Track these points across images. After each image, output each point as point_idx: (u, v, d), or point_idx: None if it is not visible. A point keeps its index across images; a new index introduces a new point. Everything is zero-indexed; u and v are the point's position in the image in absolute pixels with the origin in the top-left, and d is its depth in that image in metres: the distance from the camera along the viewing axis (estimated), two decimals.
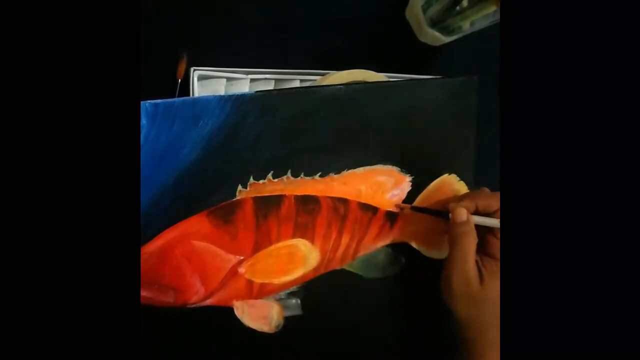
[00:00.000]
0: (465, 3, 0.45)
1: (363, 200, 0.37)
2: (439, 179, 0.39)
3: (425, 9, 0.49)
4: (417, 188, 0.38)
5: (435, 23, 0.49)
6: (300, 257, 0.36)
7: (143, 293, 0.32)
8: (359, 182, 0.37)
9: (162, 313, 0.33)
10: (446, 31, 0.49)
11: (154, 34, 0.39)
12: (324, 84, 0.39)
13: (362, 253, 0.38)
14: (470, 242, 0.33)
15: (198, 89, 0.42)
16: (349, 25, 0.49)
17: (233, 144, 0.33)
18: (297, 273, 0.36)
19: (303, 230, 0.35)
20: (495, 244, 0.34)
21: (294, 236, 0.35)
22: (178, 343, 0.34)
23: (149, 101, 0.30)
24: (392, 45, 0.51)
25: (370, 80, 0.40)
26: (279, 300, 0.36)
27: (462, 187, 0.39)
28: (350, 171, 0.36)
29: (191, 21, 0.44)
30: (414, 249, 0.39)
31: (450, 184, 0.39)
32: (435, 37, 0.50)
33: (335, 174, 0.36)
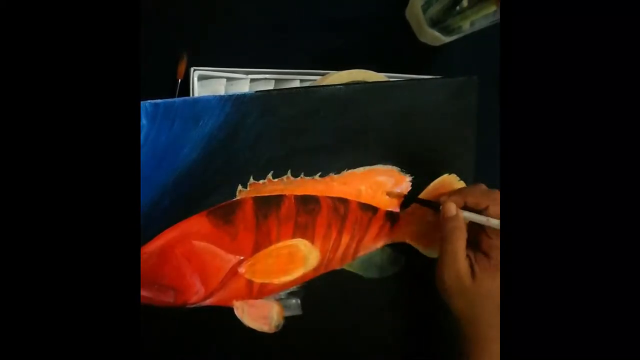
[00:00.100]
0: (465, 3, 0.45)
1: (363, 200, 0.37)
2: (439, 179, 0.39)
3: (425, 9, 0.49)
4: (417, 188, 0.38)
5: (435, 23, 0.49)
6: (300, 257, 0.36)
7: (143, 293, 0.32)
8: (359, 182, 0.37)
9: (162, 313, 0.33)
10: (446, 31, 0.49)
11: (154, 34, 0.39)
12: (324, 84, 0.39)
13: (362, 253, 0.38)
14: (459, 238, 0.33)
15: (198, 89, 0.42)
16: (349, 25, 0.49)
17: (233, 144, 0.33)
18: (297, 273, 0.36)
19: (303, 230, 0.35)
20: (487, 242, 0.34)
21: (294, 236, 0.35)
22: (178, 343, 0.34)
23: (149, 101, 0.30)
24: (392, 45, 0.51)
25: (370, 80, 0.40)
26: (279, 300, 0.36)
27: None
28: (350, 171, 0.36)
29: (191, 21, 0.44)
30: (414, 249, 0.39)
31: (450, 183, 0.39)
32: (435, 37, 0.50)
33: (335, 174, 0.36)
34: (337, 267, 0.37)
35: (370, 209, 0.37)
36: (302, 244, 0.35)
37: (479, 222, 0.34)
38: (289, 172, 0.34)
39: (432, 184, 0.39)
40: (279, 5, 0.46)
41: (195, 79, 0.42)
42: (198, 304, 0.34)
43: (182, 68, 0.43)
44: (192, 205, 0.32)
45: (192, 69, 0.42)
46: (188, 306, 0.33)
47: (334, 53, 0.48)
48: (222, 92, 0.43)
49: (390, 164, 0.37)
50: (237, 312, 0.34)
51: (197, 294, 0.33)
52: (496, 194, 0.34)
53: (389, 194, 0.37)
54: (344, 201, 0.36)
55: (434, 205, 0.35)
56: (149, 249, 0.32)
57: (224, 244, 0.33)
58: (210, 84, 0.43)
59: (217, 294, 0.34)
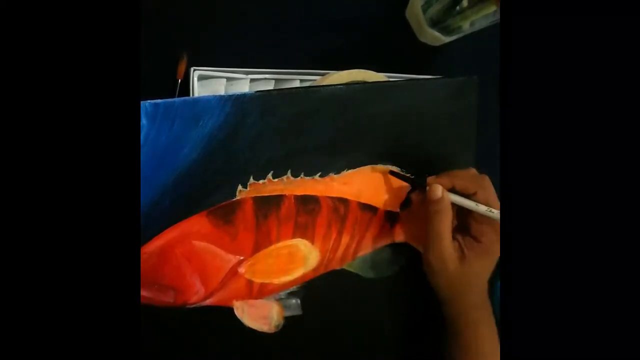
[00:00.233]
0: (465, 3, 0.45)
1: (363, 200, 0.37)
2: None
3: (425, 9, 0.49)
4: (417, 188, 0.38)
5: (435, 23, 0.49)
6: (300, 257, 0.36)
7: (143, 293, 0.32)
8: (359, 182, 0.37)
9: (162, 313, 0.33)
10: (446, 31, 0.49)
11: (154, 34, 0.39)
12: (324, 84, 0.39)
13: (362, 253, 0.38)
14: (444, 220, 0.33)
15: (198, 89, 0.42)
16: (349, 25, 0.49)
17: (233, 144, 0.33)
18: (297, 273, 0.36)
19: (303, 230, 0.35)
20: (476, 226, 0.34)
21: (294, 236, 0.35)
22: (178, 343, 0.34)
23: (149, 101, 0.30)
24: (392, 45, 0.51)
25: (370, 80, 0.40)
26: (279, 300, 0.36)
27: None
28: (350, 171, 0.36)
29: (191, 21, 0.44)
30: (414, 249, 0.39)
31: None
32: (435, 37, 0.50)
33: (335, 174, 0.36)
34: (337, 267, 0.37)
35: (370, 209, 0.37)
36: (302, 244, 0.36)
37: (467, 207, 0.34)
38: (289, 172, 0.34)
39: None
40: (279, 5, 0.46)
41: (195, 79, 0.42)
42: (198, 304, 0.34)
43: (182, 68, 0.43)
44: (192, 205, 0.32)
45: (192, 69, 0.42)
46: (188, 306, 0.33)
47: (334, 53, 0.48)
48: (222, 92, 0.43)
49: (390, 164, 0.37)
50: (237, 312, 0.34)
51: (197, 294, 0.33)
52: (485, 180, 0.34)
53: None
54: (344, 201, 0.36)
55: (420, 182, 0.35)
56: (149, 249, 0.32)
57: (224, 244, 0.33)
58: (210, 84, 0.43)
59: (217, 294, 0.34)
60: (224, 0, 0.45)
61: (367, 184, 0.37)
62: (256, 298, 0.35)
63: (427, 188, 0.34)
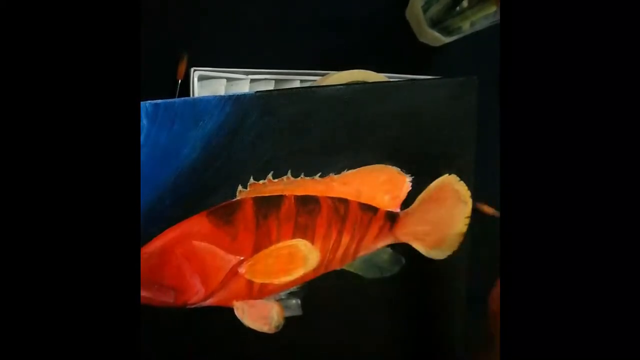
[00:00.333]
0: (465, 3, 0.45)
1: (363, 201, 0.37)
2: (439, 179, 0.39)
3: (425, 9, 0.49)
4: (417, 188, 0.38)
5: (435, 23, 0.49)
6: (300, 257, 0.36)
7: (143, 293, 0.32)
8: (359, 182, 0.37)
9: (162, 313, 0.33)
10: (446, 31, 0.49)
11: (154, 34, 0.39)
12: (324, 84, 0.39)
13: (362, 253, 0.38)
14: None
15: (198, 89, 0.42)
16: (349, 25, 0.49)
17: (233, 144, 0.33)
18: (297, 273, 0.36)
19: (303, 231, 0.35)
20: None
21: (294, 236, 0.35)
22: (178, 343, 0.34)
23: (149, 101, 0.30)
24: (392, 45, 0.51)
25: (370, 81, 0.40)
26: (279, 300, 0.36)
27: (462, 188, 0.39)
28: (350, 171, 0.36)
29: (191, 21, 0.44)
30: (414, 249, 0.39)
31: (451, 184, 0.39)
32: (435, 38, 0.50)
33: (335, 174, 0.36)
34: (338, 268, 0.37)
35: (370, 209, 0.37)
36: (302, 244, 0.35)
37: None
38: (289, 172, 0.34)
39: (432, 184, 0.38)
40: (279, 5, 0.46)
41: (195, 79, 0.42)
42: (198, 304, 0.34)
43: (182, 68, 0.43)
44: (192, 206, 0.32)
45: (192, 69, 0.42)
46: (188, 306, 0.33)
47: (334, 53, 0.48)
48: (222, 93, 0.43)
49: (390, 164, 0.37)
50: (237, 313, 0.34)
51: (197, 294, 0.33)
52: None
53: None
54: (344, 201, 0.36)
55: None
56: (149, 249, 0.32)
57: (224, 244, 0.33)
58: (210, 84, 0.43)
59: (217, 294, 0.34)
60: (224, 1, 0.45)
61: (368, 184, 0.37)
62: (256, 298, 0.35)
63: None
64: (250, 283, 0.35)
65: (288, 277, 0.36)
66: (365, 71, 0.41)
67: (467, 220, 0.38)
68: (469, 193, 0.38)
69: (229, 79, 0.44)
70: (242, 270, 0.34)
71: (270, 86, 0.45)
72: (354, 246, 0.37)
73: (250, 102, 0.33)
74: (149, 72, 0.35)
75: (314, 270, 0.36)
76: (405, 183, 0.38)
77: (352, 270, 0.38)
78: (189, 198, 0.32)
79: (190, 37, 0.44)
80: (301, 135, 0.34)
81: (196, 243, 0.33)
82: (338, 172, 0.36)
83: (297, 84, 0.45)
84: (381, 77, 0.42)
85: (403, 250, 0.39)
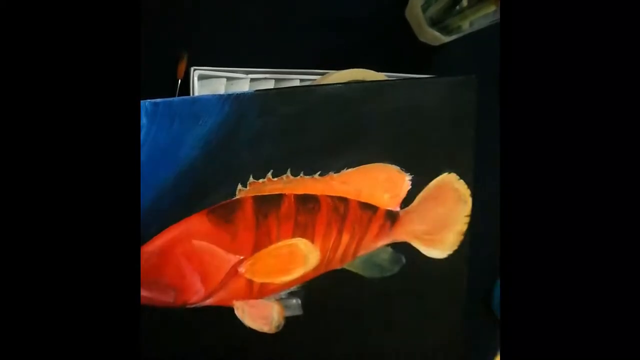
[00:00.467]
0: (465, 3, 0.45)
1: (363, 199, 0.37)
2: (439, 178, 0.39)
3: (425, 9, 0.49)
4: (417, 187, 0.38)
5: (435, 23, 0.49)
6: (300, 256, 0.36)
7: (143, 293, 0.32)
8: (358, 181, 0.37)
9: (162, 313, 0.33)
10: (446, 31, 0.49)
11: (154, 34, 0.39)
12: (324, 83, 0.39)
13: (362, 252, 0.38)
14: None
15: (198, 89, 0.42)
16: (349, 25, 0.49)
17: (233, 143, 0.33)
18: (298, 273, 0.36)
19: (303, 230, 0.35)
20: None
21: (293, 235, 0.35)
22: (178, 343, 0.34)
23: (149, 100, 0.30)
24: (392, 45, 0.51)
25: (370, 80, 0.40)
26: (279, 300, 0.36)
27: (461, 187, 0.39)
28: (350, 170, 0.36)
29: (191, 21, 0.45)
30: (414, 248, 0.39)
31: (450, 183, 0.39)
32: (435, 37, 0.50)
33: (335, 173, 0.36)
34: (338, 267, 0.37)
35: (370, 208, 0.37)
36: (302, 244, 0.35)
37: None
38: (289, 171, 0.34)
39: (432, 183, 0.38)
40: (279, 5, 0.46)
41: (195, 78, 0.42)
42: (198, 304, 0.34)
43: (182, 68, 0.43)
44: (192, 205, 0.32)
45: (192, 68, 0.42)
46: (188, 306, 0.33)
47: (334, 53, 0.48)
48: (222, 92, 0.43)
49: (390, 163, 0.37)
50: (238, 312, 0.34)
51: (197, 294, 0.33)
52: None
53: None
54: (343, 200, 0.36)
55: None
56: (149, 248, 0.32)
57: (224, 244, 0.33)
58: (210, 83, 0.43)
59: (217, 294, 0.34)
60: (224, 1, 0.45)
61: (367, 183, 0.37)
62: (256, 298, 0.35)
63: None
64: (250, 282, 0.35)
65: (288, 277, 0.36)
66: (365, 70, 0.41)
67: (467, 219, 0.38)
68: (468, 192, 0.38)
69: (229, 78, 0.44)
70: (242, 269, 0.34)
71: (270, 85, 0.45)
72: (353, 245, 0.37)
73: (250, 101, 0.33)
74: (149, 71, 0.35)
75: (314, 269, 0.36)
76: (405, 182, 0.38)
77: (352, 269, 0.38)
78: (188, 197, 0.32)
79: (190, 36, 0.44)
80: (301, 134, 0.34)
81: (196, 242, 0.33)
82: (338, 170, 0.36)
83: (297, 83, 0.45)
84: (381, 76, 0.42)
85: (403, 249, 0.39)
